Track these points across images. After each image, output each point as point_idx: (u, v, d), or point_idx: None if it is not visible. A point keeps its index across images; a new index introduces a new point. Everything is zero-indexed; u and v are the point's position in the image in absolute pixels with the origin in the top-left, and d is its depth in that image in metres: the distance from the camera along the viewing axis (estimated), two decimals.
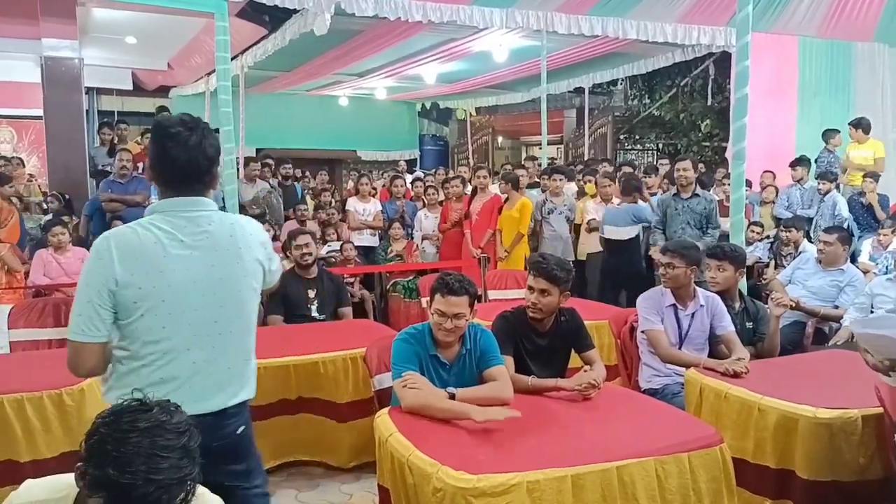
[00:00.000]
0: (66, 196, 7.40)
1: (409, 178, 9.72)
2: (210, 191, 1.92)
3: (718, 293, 3.53)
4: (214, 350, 1.89)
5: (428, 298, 4.74)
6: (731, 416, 2.80)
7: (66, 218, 6.26)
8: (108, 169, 7.33)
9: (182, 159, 1.84)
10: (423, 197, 7.46)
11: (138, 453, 1.28)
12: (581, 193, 7.35)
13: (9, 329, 3.97)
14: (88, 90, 10.56)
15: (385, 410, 2.57)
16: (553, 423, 2.54)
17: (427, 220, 7.09)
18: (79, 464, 1.35)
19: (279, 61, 9.43)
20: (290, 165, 8.80)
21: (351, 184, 10.50)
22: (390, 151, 16.18)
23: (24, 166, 9.36)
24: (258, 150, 11.51)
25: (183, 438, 1.35)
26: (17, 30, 7.11)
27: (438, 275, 2.79)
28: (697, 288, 3.48)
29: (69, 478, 1.44)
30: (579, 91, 12.29)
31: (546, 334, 2.96)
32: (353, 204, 7.35)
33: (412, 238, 7.04)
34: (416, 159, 16.55)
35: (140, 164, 7.36)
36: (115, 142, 7.72)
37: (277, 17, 7.76)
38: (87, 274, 1.79)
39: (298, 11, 7.00)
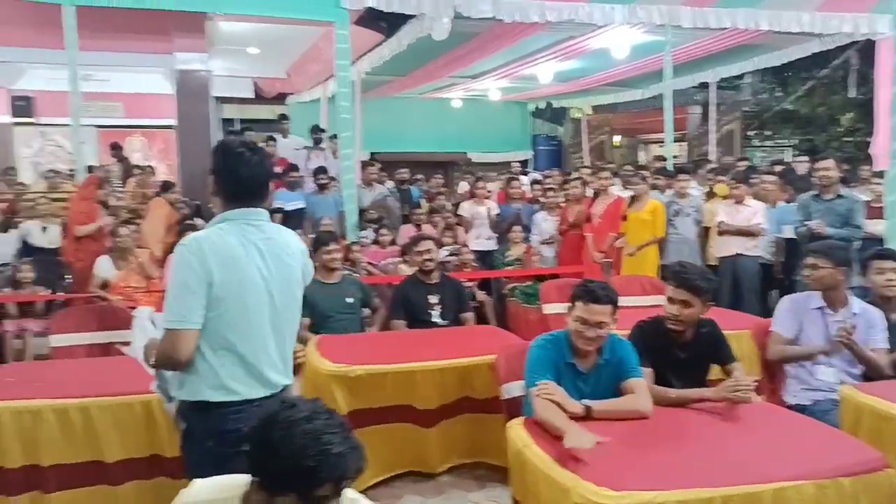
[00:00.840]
0: (197, 202, 7.90)
1: (525, 179, 9.69)
2: (266, 203, 2.23)
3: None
4: (276, 342, 2.17)
5: (544, 303, 4.80)
6: (893, 438, 2.62)
7: (196, 223, 6.68)
8: None
9: (247, 176, 2.13)
10: (542, 199, 7.42)
11: (311, 437, 1.41)
12: (710, 194, 7.07)
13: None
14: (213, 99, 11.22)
15: (519, 421, 2.58)
16: (697, 438, 2.47)
17: (546, 223, 7.05)
18: (253, 479, 1.46)
19: (394, 66, 9.64)
20: (407, 170, 9.02)
21: (465, 186, 10.60)
22: (502, 153, 16.18)
23: (154, 174, 10.10)
24: (371, 155, 11.83)
25: (334, 417, 1.49)
26: (151, 46, 7.66)
27: (580, 281, 2.77)
28: (852, 296, 3.28)
29: (235, 479, 1.56)
30: (704, 86, 11.85)
31: (686, 346, 2.88)
32: (468, 207, 7.41)
33: (529, 241, 7.02)
34: (528, 160, 16.48)
35: None
36: None
37: (394, 23, 7.95)
38: (184, 269, 2.03)
39: (416, 16, 7.16)
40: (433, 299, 4.59)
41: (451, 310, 4.62)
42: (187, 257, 2.03)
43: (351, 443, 1.46)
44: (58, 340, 3.98)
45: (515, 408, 2.90)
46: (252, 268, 2.10)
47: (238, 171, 2.13)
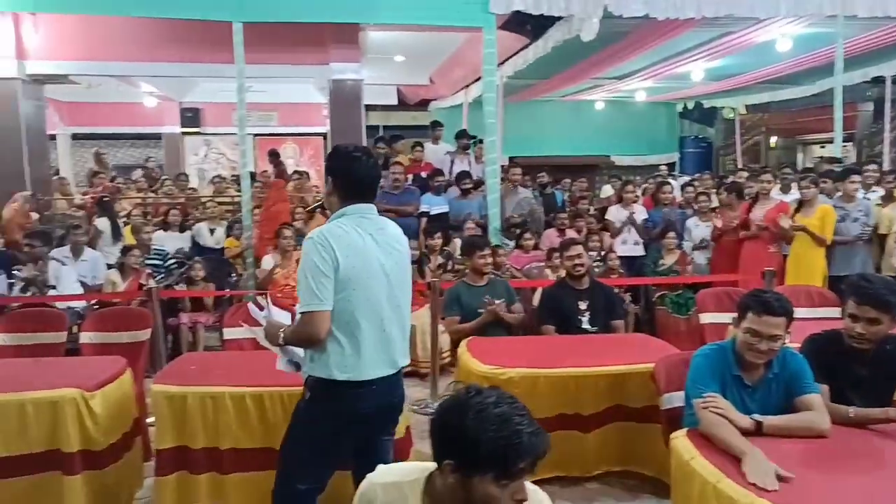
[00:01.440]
0: None
1: (675, 183, 9.40)
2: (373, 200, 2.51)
3: None
4: (393, 323, 2.45)
5: (700, 313, 4.64)
6: None
7: None
8: (382, 181, 8.10)
9: (362, 177, 2.46)
10: (694, 203, 7.18)
11: (503, 420, 1.53)
12: (888, 198, 6.52)
13: None
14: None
15: (682, 432, 2.53)
16: (881, 461, 2.32)
17: (698, 229, 6.81)
18: (446, 462, 1.57)
19: (537, 69, 9.67)
20: (545, 174, 9.02)
21: (609, 189, 10.43)
22: (647, 155, 15.79)
23: (309, 179, 10.72)
24: (510, 159, 11.91)
25: (518, 402, 1.60)
26: (308, 57, 8.14)
27: (752, 291, 2.67)
28: None
29: (417, 465, 1.71)
30: (877, 81, 10.96)
31: (867, 362, 2.70)
32: (615, 212, 7.29)
33: (681, 247, 6.80)
34: (674, 163, 15.95)
35: (409, 176, 8.03)
36: (388, 155, 8.49)
37: (540, 26, 7.98)
38: (313, 258, 2.31)
39: (562, 18, 7.15)
40: (582, 305, 4.57)
41: (601, 316, 4.57)
42: (316, 247, 2.32)
43: (536, 426, 1.56)
44: (229, 333, 4.31)
45: (675, 419, 2.84)
46: (370, 254, 2.39)
47: (354, 173, 2.45)
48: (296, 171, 9.88)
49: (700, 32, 8.25)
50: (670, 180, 9.45)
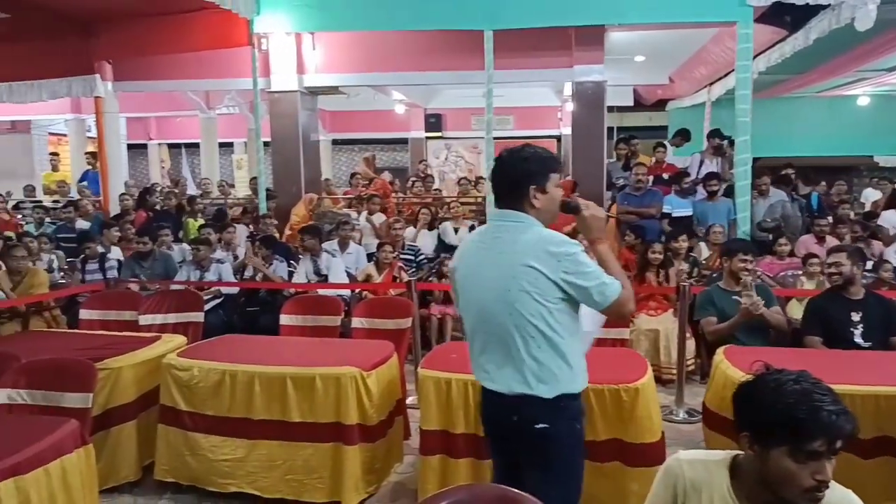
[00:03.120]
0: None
1: None
2: (527, 206, 2.27)
3: None
4: (487, 337, 2.29)
5: None
6: None
7: None
8: (623, 182, 7.94)
9: (499, 181, 2.34)
10: None
11: (800, 393, 1.55)
12: None
13: None
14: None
15: None
16: None
17: None
18: (743, 434, 1.63)
19: (793, 63, 8.88)
20: (793, 171, 8.30)
21: (874, 193, 9.32)
22: None
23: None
24: (755, 160, 11.05)
25: (822, 383, 1.59)
26: (552, 61, 8.20)
27: None
28: None
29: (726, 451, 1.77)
30: None
31: None
32: (890, 217, 6.48)
33: None
34: None
35: (651, 178, 7.77)
36: (630, 156, 8.30)
37: (801, 17, 7.32)
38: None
39: (829, 6, 6.49)
40: (855, 317, 4.11)
41: (877, 331, 4.08)
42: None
43: (842, 406, 1.55)
44: None
45: None
46: (472, 262, 2.34)
47: (494, 176, 2.36)
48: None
49: None
50: None
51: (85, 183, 11.00)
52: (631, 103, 13.69)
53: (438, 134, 15.53)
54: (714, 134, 8.45)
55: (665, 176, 7.93)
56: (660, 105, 14.32)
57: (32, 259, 6.19)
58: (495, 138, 7.24)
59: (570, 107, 9.38)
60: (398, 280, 6.42)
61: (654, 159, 8.33)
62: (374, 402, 3.59)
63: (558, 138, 14.98)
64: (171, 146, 18.23)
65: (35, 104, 9.33)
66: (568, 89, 10.01)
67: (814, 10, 6.80)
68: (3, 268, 5.74)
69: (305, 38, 8.51)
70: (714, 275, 5.69)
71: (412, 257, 7.13)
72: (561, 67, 7.99)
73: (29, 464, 2.55)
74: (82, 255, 6.70)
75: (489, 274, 2.25)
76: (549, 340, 2.19)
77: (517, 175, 2.29)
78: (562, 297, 2.18)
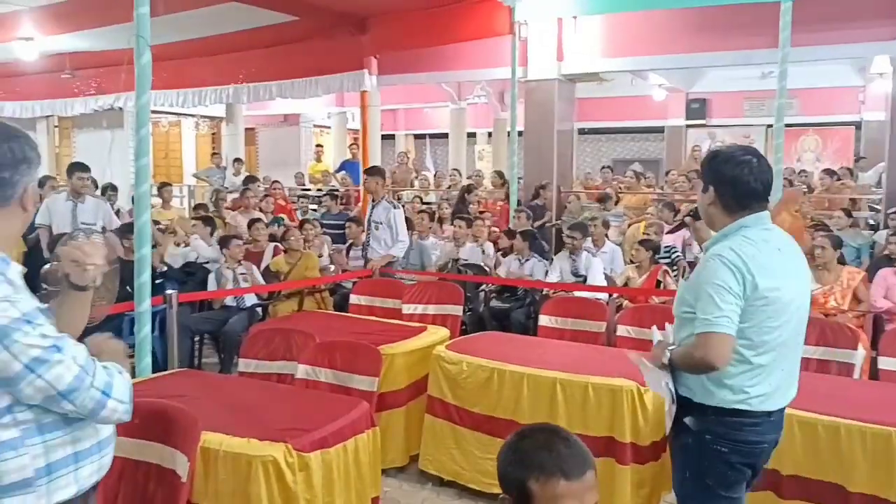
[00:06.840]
0: None
1: None
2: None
3: None
4: (792, 350, 2.31)
5: None
6: None
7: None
8: None
9: (757, 182, 2.24)
10: None
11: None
12: None
13: None
14: None
15: None
16: None
17: None
18: None
19: None
20: None
21: None
22: None
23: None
24: None
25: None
26: (860, 34, 7.33)
27: None
28: None
29: None
30: None
31: None
32: None
33: None
34: None
35: None
36: None
37: None
38: (722, 278, 2.16)
39: None
40: None
41: None
42: (727, 266, 2.17)
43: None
44: None
45: None
46: (785, 273, 2.24)
47: (745, 179, 2.24)
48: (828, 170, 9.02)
49: None
50: None
51: (343, 172, 12.04)
52: None
53: (701, 121, 14.69)
54: None
55: None
56: None
57: (308, 245, 6.89)
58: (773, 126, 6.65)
59: (882, 87, 8.36)
60: (661, 286, 6.14)
61: None
62: (649, 421, 3.45)
63: (857, 125, 13.46)
64: (416, 136, 19.30)
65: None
66: (879, 65, 8.96)
67: None
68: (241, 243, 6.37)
69: (566, 23, 8.48)
70: None
71: (667, 258, 6.77)
72: (874, 41, 7.16)
73: (333, 439, 2.84)
74: (349, 243, 7.28)
75: (798, 287, 2.30)
76: None
77: (771, 176, 2.32)
78: None
